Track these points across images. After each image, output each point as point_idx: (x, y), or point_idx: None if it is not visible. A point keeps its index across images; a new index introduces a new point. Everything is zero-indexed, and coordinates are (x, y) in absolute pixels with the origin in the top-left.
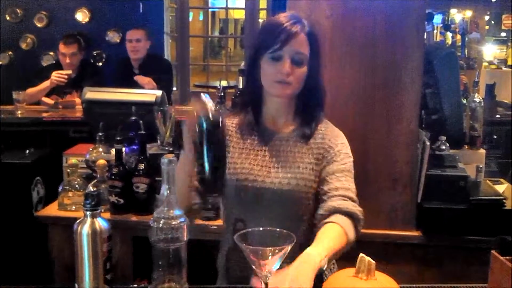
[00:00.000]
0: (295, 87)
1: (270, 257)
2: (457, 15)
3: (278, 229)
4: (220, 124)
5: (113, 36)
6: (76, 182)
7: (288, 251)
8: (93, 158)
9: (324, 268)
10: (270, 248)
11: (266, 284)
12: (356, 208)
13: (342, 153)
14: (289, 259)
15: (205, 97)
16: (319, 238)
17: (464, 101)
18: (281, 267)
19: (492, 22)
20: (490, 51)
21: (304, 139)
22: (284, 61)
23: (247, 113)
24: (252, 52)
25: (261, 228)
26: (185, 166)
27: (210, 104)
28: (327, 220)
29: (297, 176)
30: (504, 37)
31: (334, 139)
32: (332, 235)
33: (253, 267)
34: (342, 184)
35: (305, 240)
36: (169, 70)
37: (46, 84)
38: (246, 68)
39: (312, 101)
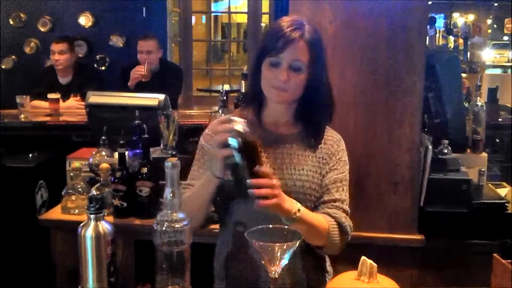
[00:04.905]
0: (292, 93)
1: (279, 253)
2: (460, 19)
3: (286, 226)
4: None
5: (116, 41)
6: (79, 186)
7: (296, 247)
8: (97, 162)
9: (294, 215)
10: (278, 244)
11: (275, 280)
12: (347, 222)
13: (342, 161)
14: (293, 260)
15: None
16: None
17: (467, 105)
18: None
19: (495, 26)
20: (491, 55)
21: (309, 145)
22: (281, 67)
23: (248, 113)
24: (255, 56)
25: (270, 226)
26: (208, 188)
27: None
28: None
29: (302, 178)
30: (507, 41)
31: (337, 145)
32: (317, 216)
33: (262, 263)
34: (339, 195)
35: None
36: (180, 76)
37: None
38: (249, 71)
39: (316, 108)
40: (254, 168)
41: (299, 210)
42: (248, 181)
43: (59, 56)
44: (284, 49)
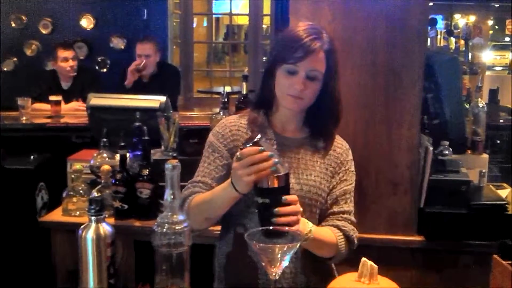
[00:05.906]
0: (306, 101)
1: (279, 255)
2: (461, 20)
3: (286, 228)
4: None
5: (117, 43)
6: (80, 188)
7: (296, 249)
8: (97, 163)
9: (307, 236)
10: (279, 246)
11: (275, 282)
12: (355, 234)
13: (351, 171)
14: (294, 263)
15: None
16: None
17: (467, 106)
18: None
19: (496, 27)
20: (491, 56)
21: (317, 150)
22: (298, 76)
23: (258, 115)
24: (269, 61)
25: (270, 227)
26: (229, 201)
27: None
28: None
29: (309, 183)
30: (508, 42)
31: (346, 154)
32: (327, 231)
33: (263, 264)
34: (348, 207)
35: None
36: (177, 77)
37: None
38: (262, 74)
39: (326, 115)
40: (283, 196)
41: (310, 230)
42: (276, 210)
43: (73, 62)
44: (303, 59)
